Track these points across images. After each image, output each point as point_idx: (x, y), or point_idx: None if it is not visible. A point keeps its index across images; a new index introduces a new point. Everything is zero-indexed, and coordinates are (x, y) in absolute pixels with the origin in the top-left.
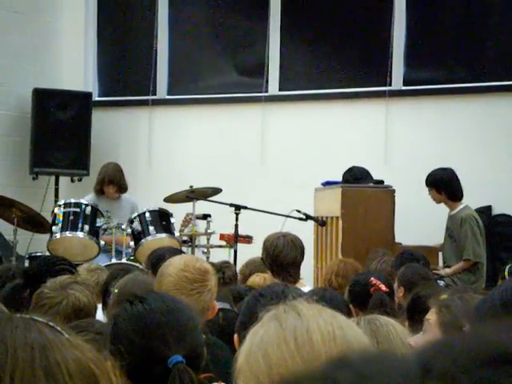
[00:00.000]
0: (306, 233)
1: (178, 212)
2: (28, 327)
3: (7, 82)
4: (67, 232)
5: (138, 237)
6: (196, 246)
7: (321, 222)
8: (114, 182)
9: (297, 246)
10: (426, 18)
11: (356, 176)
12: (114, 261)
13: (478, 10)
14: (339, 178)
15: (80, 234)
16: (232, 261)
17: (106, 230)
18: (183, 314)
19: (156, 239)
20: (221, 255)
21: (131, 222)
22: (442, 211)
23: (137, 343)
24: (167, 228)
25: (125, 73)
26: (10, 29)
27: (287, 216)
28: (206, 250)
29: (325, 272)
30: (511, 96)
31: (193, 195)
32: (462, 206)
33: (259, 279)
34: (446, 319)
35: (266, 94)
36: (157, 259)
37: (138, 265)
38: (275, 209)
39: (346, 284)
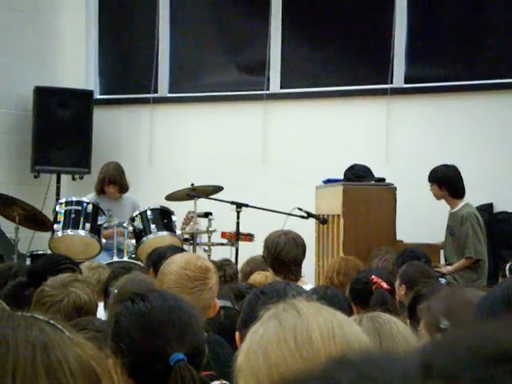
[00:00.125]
0: (307, 231)
1: (180, 210)
2: (29, 325)
3: (8, 80)
4: (69, 230)
5: (139, 235)
6: (197, 244)
7: (322, 220)
8: (114, 182)
9: (298, 244)
10: (427, 17)
11: (357, 174)
12: (115, 259)
13: (479, 8)
14: (341, 176)
15: (81, 232)
16: (233, 259)
17: (107, 228)
18: (185, 312)
19: (157, 237)
20: (222, 253)
21: (133, 220)
22: (443, 209)
23: (138, 341)
24: (169, 226)
25: (126, 71)
26: (10, 27)
27: (289, 214)
28: (207, 248)
29: (326, 270)
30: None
31: (194, 193)
32: (462, 204)
33: (261, 277)
34: (428, 320)
35: (267, 92)
36: (158, 257)
37: (139, 263)
38: (276, 207)
39: (347, 282)
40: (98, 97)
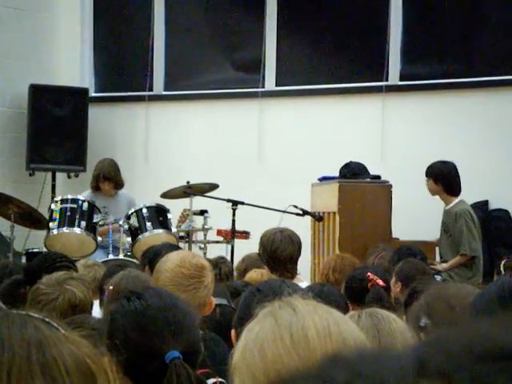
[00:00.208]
0: (303, 228)
1: (175, 208)
2: (24, 323)
3: (3, 77)
4: (64, 228)
5: (135, 233)
6: (193, 241)
7: (318, 218)
8: (109, 178)
9: (294, 242)
10: (423, 13)
11: (353, 171)
12: (111, 257)
13: (475, 5)
14: (336, 173)
15: (77, 230)
16: (229, 256)
17: (102, 225)
18: (180, 310)
19: (153, 235)
20: (218, 251)
21: (128, 217)
22: (439, 206)
23: (134, 339)
24: (164, 224)
25: (121, 68)
26: (5, 25)
27: (284, 211)
28: (202, 246)
29: (322, 267)
30: (508, 90)
31: (190, 191)
32: (456, 201)
33: (256, 275)
34: (409, 318)
35: (262, 90)
36: (154, 255)
37: (135, 261)
38: (272, 204)
39: (343, 279)
40: (94, 95)
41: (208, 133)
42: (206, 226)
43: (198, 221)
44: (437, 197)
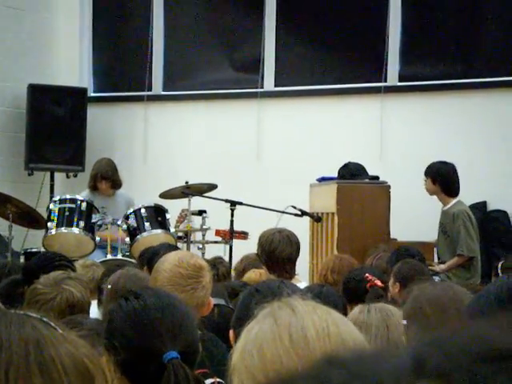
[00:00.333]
0: (301, 229)
1: (174, 208)
2: (22, 323)
3: (2, 77)
4: (63, 228)
5: (133, 233)
6: (191, 241)
7: (316, 218)
8: (106, 177)
9: (292, 242)
10: (422, 14)
11: (351, 172)
12: (109, 257)
13: (474, 5)
14: (335, 174)
15: (75, 230)
16: (227, 257)
17: (101, 226)
18: (178, 310)
19: (151, 235)
20: (216, 251)
21: (126, 217)
22: (437, 207)
23: (132, 339)
24: (163, 224)
25: (120, 68)
26: (5, 24)
27: (283, 212)
28: (201, 246)
29: (320, 268)
30: (507, 91)
31: (188, 191)
32: (454, 201)
33: (255, 275)
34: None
35: (261, 90)
36: (151, 255)
37: (133, 261)
38: (271, 205)
39: (341, 280)
40: (92, 94)
41: (207, 133)
42: (204, 226)
43: (197, 221)
44: (435, 197)
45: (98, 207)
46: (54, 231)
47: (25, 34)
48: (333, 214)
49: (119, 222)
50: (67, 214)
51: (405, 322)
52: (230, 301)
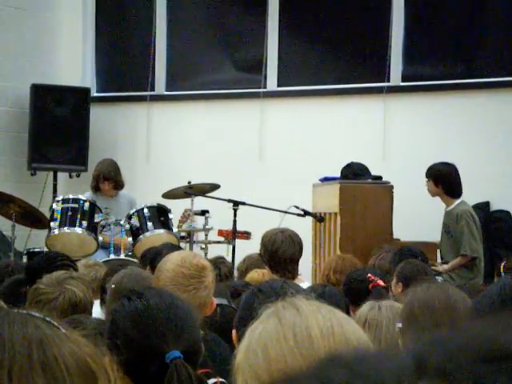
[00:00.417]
0: (304, 229)
1: (177, 208)
2: (25, 322)
3: (5, 77)
4: (65, 228)
5: (136, 233)
6: (194, 241)
7: (319, 218)
8: (109, 178)
9: (295, 242)
10: (424, 14)
11: (354, 172)
12: (112, 256)
13: (476, 6)
14: (337, 174)
15: (78, 230)
16: (230, 257)
17: (104, 226)
18: (181, 310)
19: (154, 235)
20: (219, 251)
21: (129, 217)
22: (440, 207)
23: (134, 339)
24: (165, 224)
25: (123, 68)
26: (7, 24)
27: (285, 212)
28: (204, 246)
29: (323, 268)
30: (510, 92)
31: (191, 191)
32: (457, 202)
33: (258, 275)
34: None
35: (264, 90)
36: (154, 255)
37: (136, 260)
38: (273, 205)
39: (343, 280)
40: (95, 94)
41: (209, 133)
42: (207, 226)
43: (199, 221)
44: (438, 197)
45: (101, 208)
46: (56, 231)
47: (27, 34)
48: (335, 214)
49: (122, 222)
50: (70, 213)
51: (400, 324)
52: (233, 301)
